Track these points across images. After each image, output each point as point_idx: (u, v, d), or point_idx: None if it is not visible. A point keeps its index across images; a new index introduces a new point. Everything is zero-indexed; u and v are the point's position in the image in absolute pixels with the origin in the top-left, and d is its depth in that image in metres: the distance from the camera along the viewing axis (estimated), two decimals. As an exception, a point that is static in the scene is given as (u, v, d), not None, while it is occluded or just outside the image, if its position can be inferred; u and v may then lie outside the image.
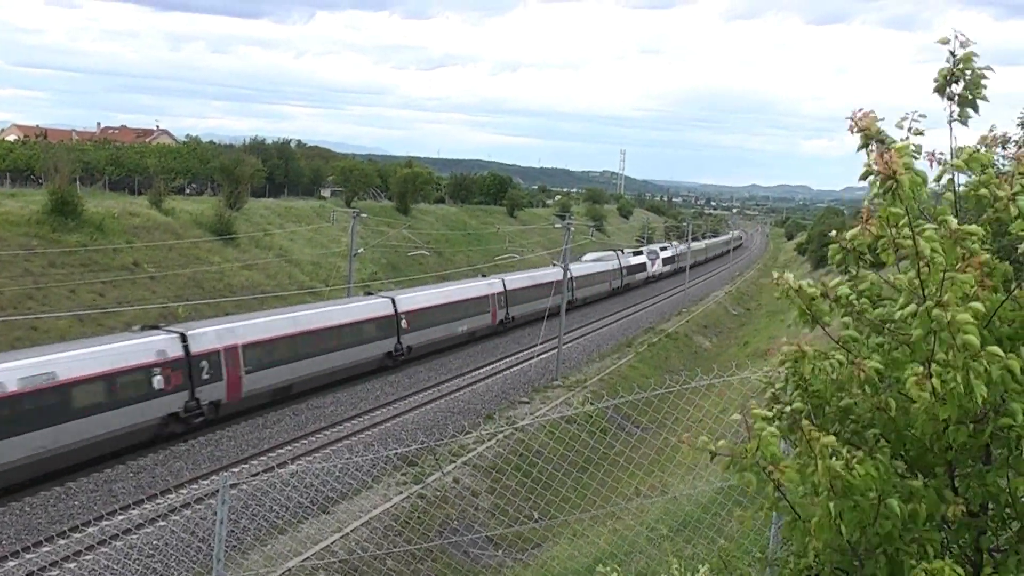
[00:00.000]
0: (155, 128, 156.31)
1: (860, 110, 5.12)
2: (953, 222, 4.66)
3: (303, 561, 26.16)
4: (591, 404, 41.18)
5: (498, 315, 66.01)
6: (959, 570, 4.60)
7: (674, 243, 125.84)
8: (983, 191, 4.98)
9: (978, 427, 4.79)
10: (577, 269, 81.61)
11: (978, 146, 5.20)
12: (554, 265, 69.81)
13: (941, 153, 5.08)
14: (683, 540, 16.10)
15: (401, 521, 29.96)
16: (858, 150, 5.09)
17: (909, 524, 4.83)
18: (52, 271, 51.35)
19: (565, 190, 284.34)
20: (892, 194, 4.71)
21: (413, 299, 55.33)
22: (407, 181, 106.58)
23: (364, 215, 68.80)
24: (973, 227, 4.60)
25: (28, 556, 25.50)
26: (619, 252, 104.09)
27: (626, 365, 59.68)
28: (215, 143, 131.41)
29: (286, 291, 62.82)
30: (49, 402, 31.23)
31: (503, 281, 67.82)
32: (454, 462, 36.09)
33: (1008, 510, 5.13)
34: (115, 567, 24.81)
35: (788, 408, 5.12)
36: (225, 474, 11.34)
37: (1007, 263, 4.99)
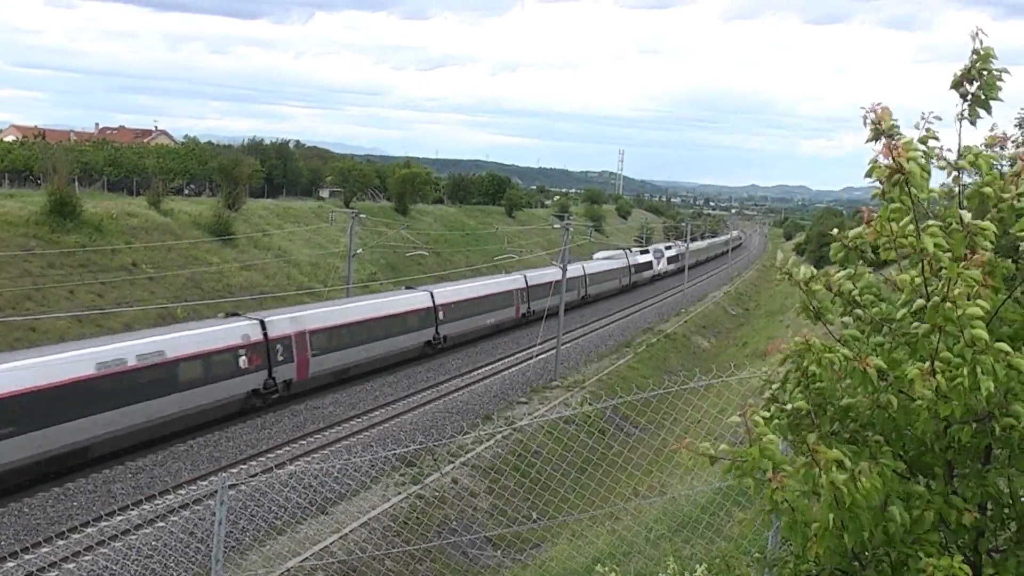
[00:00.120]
0: (153, 128, 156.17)
1: (879, 104, 5.10)
2: (967, 216, 4.66)
3: (302, 562, 26.15)
4: (590, 404, 41.24)
5: (520, 309, 70.15)
6: (966, 568, 4.60)
7: (678, 243, 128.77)
8: (987, 190, 4.99)
9: (980, 427, 4.78)
10: (590, 267, 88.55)
11: (983, 146, 5.21)
12: (553, 264, 70.17)
13: (949, 150, 5.09)
14: (681, 540, 16.10)
15: (400, 522, 29.96)
16: (867, 141, 5.08)
17: (911, 527, 4.83)
18: (51, 272, 51.33)
19: (564, 190, 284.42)
20: (898, 187, 4.72)
21: (448, 293, 60.17)
22: (406, 181, 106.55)
23: (363, 215, 68.74)
24: (986, 223, 4.59)
25: (27, 557, 25.50)
26: (627, 251, 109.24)
27: (625, 365, 59.69)
28: (213, 144, 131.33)
29: (285, 292, 62.79)
30: (159, 376, 35.68)
31: (525, 278, 71.75)
32: (453, 463, 36.09)
33: (1007, 511, 5.12)
34: (114, 568, 24.78)
35: (789, 406, 5.12)
36: (224, 475, 11.32)
37: (1009, 261, 4.98)
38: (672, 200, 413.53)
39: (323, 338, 45.92)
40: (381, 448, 34.78)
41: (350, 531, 29.07)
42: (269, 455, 36.79)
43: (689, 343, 75.60)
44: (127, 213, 63.97)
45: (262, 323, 41.99)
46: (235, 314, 43.80)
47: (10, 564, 25.10)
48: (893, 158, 4.70)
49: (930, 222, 4.73)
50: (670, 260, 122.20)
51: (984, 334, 4.42)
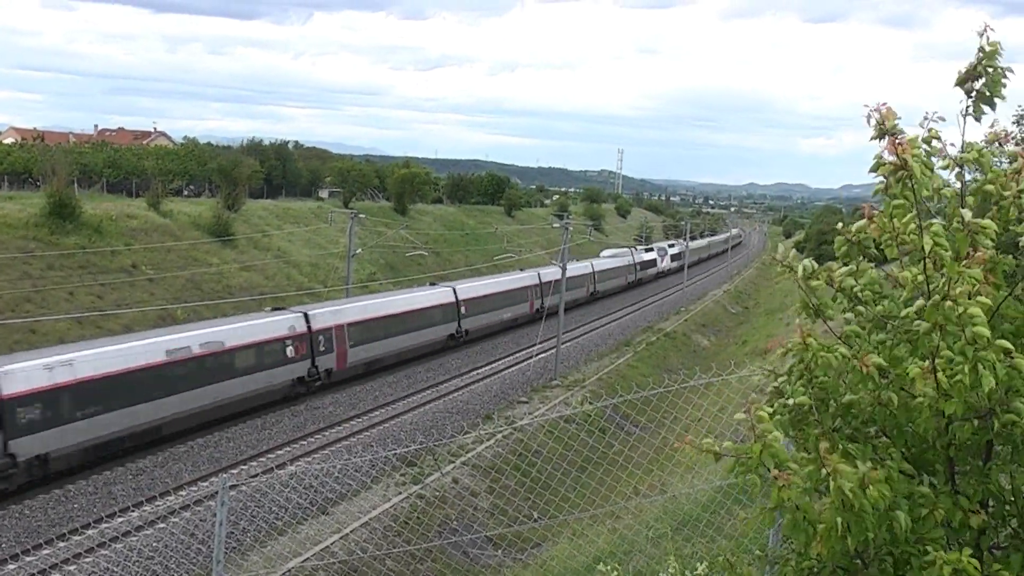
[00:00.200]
0: (152, 130, 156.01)
1: (883, 103, 5.12)
2: (968, 214, 4.66)
3: (303, 562, 26.15)
4: (590, 403, 41.22)
5: (535, 304, 72.58)
6: (975, 562, 4.61)
7: (680, 241, 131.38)
8: (989, 187, 4.99)
9: (981, 423, 4.79)
10: (599, 264, 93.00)
11: (985, 143, 5.22)
12: (554, 263, 70.56)
13: (952, 144, 5.10)
14: (682, 539, 16.10)
15: (400, 521, 29.96)
16: (871, 139, 5.09)
17: (916, 526, 4.83)
18: (50, 274, 51.33)
19: (563, 189, 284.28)
20: (901, 184, 4.72)
21: (470, 289, 63.22)
22: (405, 181, 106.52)
23: (362, 216, 68.71)
24: (986, 221, 4.59)
25: (28, 559, 25.51)
26: (633, 249, 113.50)
27: (625, 364, 59.68)
28: (213, 144, 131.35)
29: (285, 292, 62.80)
30: (218, 363, 39.22)
31: (538, 275, 74.47)
32: (453, 462, 36.09)
33: (1008, 507, 5.13)
34: (115, 569, 24.78)
35: (791, 402, 5.12)
36: (224, 476, 11.33)
37: (1010, 257, 4.99)
38: (671, 199, 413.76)
39: (359, 331, 49.24)
40: (381, 448, 34.79)
41: (351, 531, 29.07)
42: (269, 455, 36.81)
43: (689, 341, 75.59)
44: (126, 215, 63.95)
45: (306, 316, 45.59)
46: (280, 308, 47.64)
47: (11, 566, 25.10)
48: (897, 154, 4.71)
49: (932, 220, 4.74)
50: (673, 258, 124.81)
51: (986, 331, 4.42)
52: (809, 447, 5.07)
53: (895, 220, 4.92)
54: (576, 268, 79.17)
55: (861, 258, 5.40)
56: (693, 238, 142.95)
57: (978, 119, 5.15)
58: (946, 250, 4.63)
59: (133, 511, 28.61)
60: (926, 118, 5.06)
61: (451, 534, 29.61)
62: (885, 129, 5.04)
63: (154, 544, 26.97)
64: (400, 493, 32.63)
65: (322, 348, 46.17)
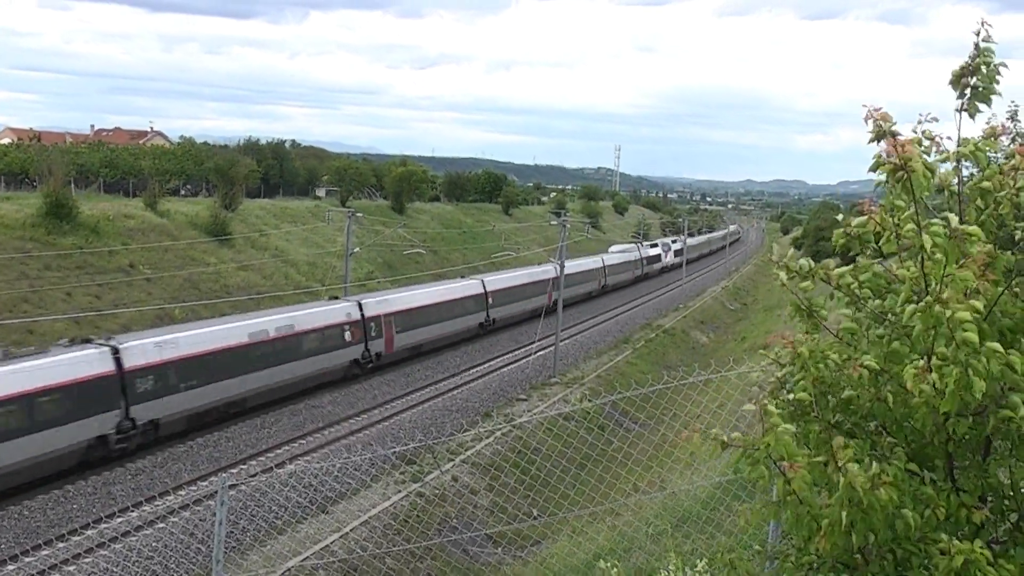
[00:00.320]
0: (149, 130, 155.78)
1: (878, 108, 5.14)
2: (954, 220, 4.65)
3: (302, 561, 26.16)
4: (589, 401, 41.22)
5: (552, 296, 72.87)
6: (987, 552, 4.61)
7: (682, 237, 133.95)
8: (986, 184, 5.00)
9: (978, 419, 4.80)
10: (608, 259, 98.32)
11: (982, 138, 5.23)
12: (551, 260, 71.00)
13: (949, 138, 5.11)
14: (682, 536, 16.13)
15: (400, 520, 29.97)
16: (869, 142, 5.11)
17: (920, 526, 4.84)
18: (48, 274, 51.31)
19: (560, 187, 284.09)
20: (901, 185, 4.73)
21: (496, 281, 68.06)
22: (402, 180, 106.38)
23: (359, 214, 68.69)
24: (973, 228, 4.59)
25: (27, 560, 25.51)
26: (639, 245, 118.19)
27: (623, 361, 59.73)
28: (209, 144, 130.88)
29: (282, 291, 62.79)
30: (290, 345, 44.07)
31: (553, 267, 73.55)
32: (452, 460, 36.11)
33: (1007, 502, 5.14)
34: (114, 570, 24.78)
35: (791, 396, 5.13)
36: (223, 475, 11.34)
37: (1008, 253, 4.99)
38: (669, 196, 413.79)
39: (404, 318, 53.92)
40: (381, 446, 34.81)
41: (351, 530, 29.08)
42: (269, 455, 36.82)
43: (688, 338, 75.61)
44: (123, 214, 63.89)
45: (360, 305, 50.44)
46: (335, 298, 53.13)
47: (10, 567, 25.10)
48: (898, 155, 4.71)
49: (932, 220, 4.74)
50: (676, 253, 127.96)
51: (974, 337, 4.43)
52: (810, 442, 5.08)
53: (894, 216, 4.93)
54: (588, 263, 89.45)
55: (862, 252, 5.41)
56: (691, 235, 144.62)
57: (973, 116, 5.16)
58: (943, 253, 4.63)
59: (132, 511, 28.60)
60: (920, 121, 5.09)
61: (451, 532, 29.61)
62: (883, 130, 5.06)
63: (153, 544, 26.98)
64: (400, 491, 32.64)
65: (373, 334, 50.85)
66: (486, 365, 55.84)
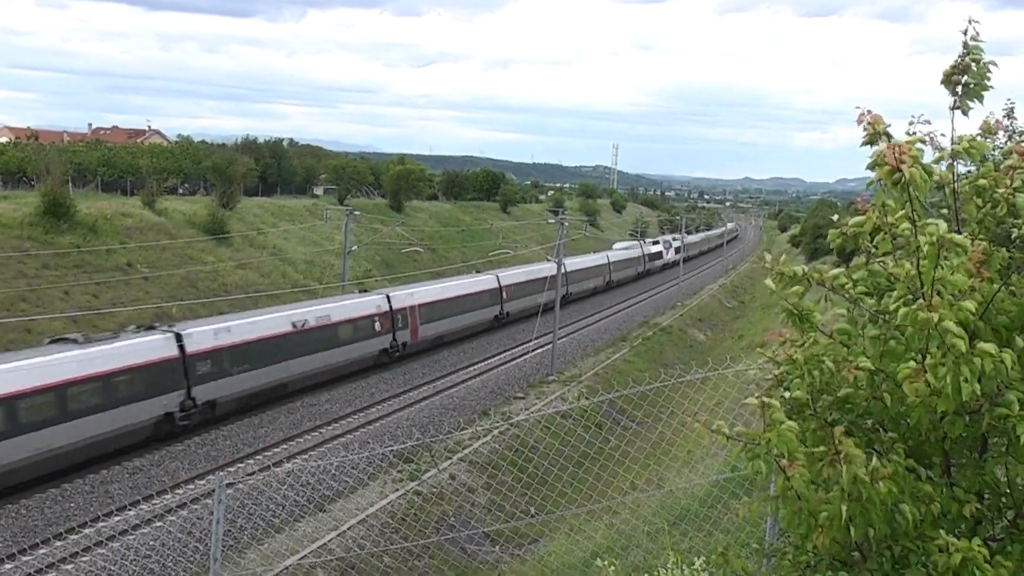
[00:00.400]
0: (147, 128, 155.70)
1: (868, 111, 5.16)
2: (943, 227, 4.65)
3: (300, 559, 26.16)
4: (586, 399, 41.20)
5: (561, 291, 74.94)
6: (984, 551, 4.62)
7: (683, 235, 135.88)
8: (982, 182, 5.01)
9: (974, 417, 4.80)
10: (613, 256, 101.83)
11: (978, 134, 5.24)
12: (548, 259, 71.34)
13: (942, 134, 5.13)
14: (680, 534, 16.12)
15: (398, 518, 29.97)
16: (862, 145, 5.13)
17: (917, 523, 4.85)
18: (45, 273, 51.25)
19: (558, 185, 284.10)
20: (899, 187, 4.74)
21: (509, 276, 70.37)
22: (400, 178, 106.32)
23: (357, 213, 68.76)
24: (960, 238, 4.59)
25: (25, 558, 25.49)
26: (642, 242, 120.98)
27: (621, 359, 59.76)
28: (207, 143, 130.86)
29: (280, 290, 62.81)
30: (328, 334, 47.31)
31: (564, 264, 75.73)
32: (450, 458, 36.11)
33: (1004, 499, 5.14)
34: (112, 568, 24.77)
35: (787, 395, 5.14)
36: (221, 474, 11.34)
37: (1004, 250, 5.00)
38: (666, 194, 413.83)
39: (427, 310, 56.93)
40: (378, 445, 34.78)
41: (348, 528, 29.08)
42: (266, 453, 36.81)
43: (685, 336, 75.64)
44: (121, 213, 63.80)
45: (388, 297, 53.53)
46: (365, 291, 56.95)
47: (8, 566, 25.08)
48: (896, 161, 4.72)
49: (929, 220, 4.75)
50: (677, 250, 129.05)
51: (962, 345, 4.44)
52: (807, 439, 5.08)
53: (889, 216, 4.95)
54: (594, 259, 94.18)
55: (858, 251, 5.43)
56: (688, 233, 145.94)
57: (966, 113, 5.18)
58: (931, 260, 4.63)
59: (130, 510, 28.58)
60: (912, 122, 5.11)
61: (448, 530, 29.61)
62: (877, 132, 5.08)
63: (151, 543, 26.96)
64: (397, 490, 32.64)
65: (400, 324, 53.99)
66: (483, 363, 55.84)
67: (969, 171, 5.26)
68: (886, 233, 4.95)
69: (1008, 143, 5.42)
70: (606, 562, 9.36)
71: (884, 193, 4.89)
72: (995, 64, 5.14)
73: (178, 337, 38.12)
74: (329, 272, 69.98)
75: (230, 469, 34.15)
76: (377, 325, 51.84)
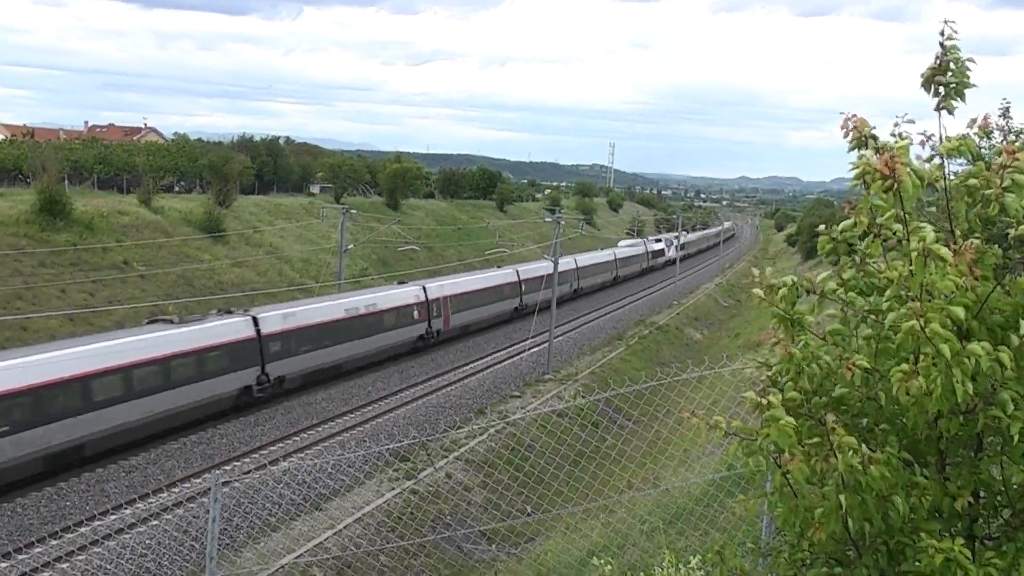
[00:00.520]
0: (143, 126, 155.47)
1: (852, 115, 5.19)
2: (931, 235, 4.66)
3: (296, 558, 26.15)
4: (583, 397, 41.26)
5: (573, 285, 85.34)
6: (966, 551, 4.63)
7: (684, 232, 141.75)
8: (973, 181, 5.00)
9: (969, 417, 4.81)
10: (619, 252, 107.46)
11: (968, 131, 5.25)
12: (547, 256, 71.91)
13: (932, 136, 5.14)
14: (676, 532, 16.14)
15: (394, 517, 29.97)
16: (849, 151, 5.15)
17: (911, 516, 4.86)
18: (42, 271, 51.22)
19: (555, 184, 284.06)
20: (894, 195, 4.74)
21: (527, 271, 73.54)
22: (396, 176, 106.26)
23: (354, 211, 68.82)
24: (944, 251, 4.60)
25: (20, 557, 25.51)
26: (645, 240, 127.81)
27: (617, 358, 59.79)
28: (203, 141, 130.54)
29: (276, 288, 62.83)
30: (375, 321, 51.83)
31: (575, 260, 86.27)
32: (446, 457, 36.11)
33: (999, 498, 5.14)
34: (108, 567, 24.77)
35: (780, 396, 5.14)
36: (217, 472, 11.35)
37: (996, 247, 5.00)
38: (663, 192, 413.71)
39: (458, 301, 61.69)
40: (374, 443, 34.82)
41: (344, 527, 29.07)
42: (262, 452, 36.79)
43: (681, 335, 75.69)
44: (117, 211, 63.79)
45: (424, 288, 57.92)
46: (403, 282, 60.17)
47: (3, 564, 25.09)
48: (887, 170, 4.73)
49: (920, 224, 4.75)
50: (677, 248, 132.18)
51: (948, 351, 4.45)
52: (803, 436, 5.09)
53: (879, 218, 4.96)
54: (602, 256, 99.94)
55: (848, 254, 5.43)
56: (687, 231, 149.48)
57: (951, 113, 5.20)
58: (919, 269, 4.63)
59: (126, 508, 28.53)
60: (897, 123, 5.13)
61: (444, 529, 29.61)
62: (864, 136, 5.09)
63: (147, 541, 26.95)
64: (393, 488, 32.64)
65: (435, 313, 58.49)
66: (480, 362, 55.86)
67: (962, 167, 5.27)
68: (876, 236, 4.96)
69: (1004, 142, 5.42)
70: (602, 561, 9.35)
71: (872, 195, 4.90)
72: (973, 61, 5.17)
73: (255, 320, 42.78)
74: (325, 270, 69.99)
75: (226, 467, 34.14)
76: (416, 313, 56.40)
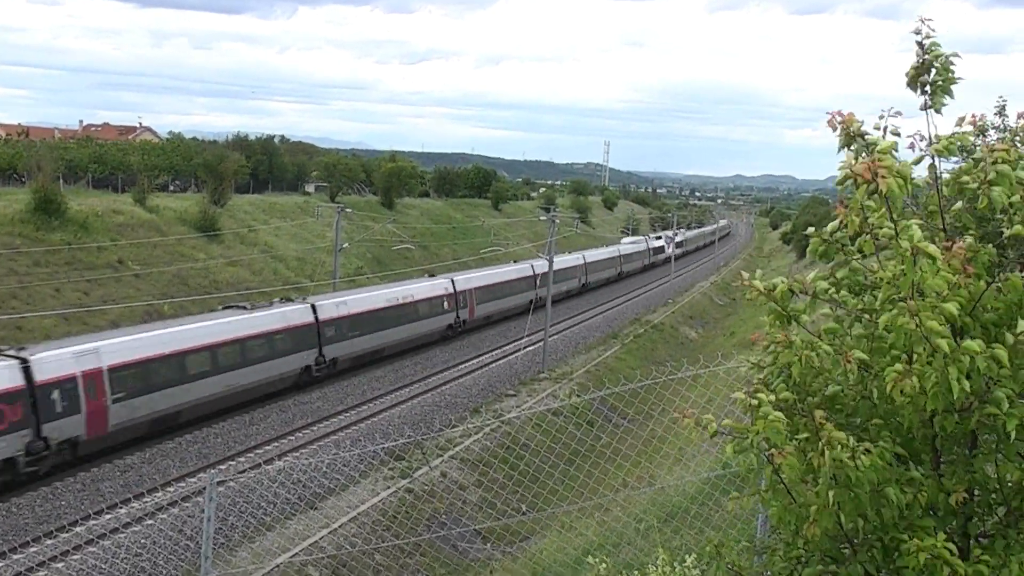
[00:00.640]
0: (138, 125, 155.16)
1: (840, 112, 5.17)
2: (917, 234, 4.64)
3: (291, 557, 26.14)
4: (578, 396, 41.27)
5: (581, 280, 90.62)
6: (951, 547, 4.63)
7: (682, 230, 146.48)
8: (964, 178, 5.00)
9: (963, 415, 4.81)
10: (623, 249, 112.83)
11: (957, 129, 5.23)
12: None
13: (922, 137, 5.12)
14: (671, 531, 16.14)
15: (389, 516, 29.95)
16: (839, 149, 5.13)
17: (905, 512, 4.86)
18: (36, 270, 51.12)
19: (549, 182, 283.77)
20: (879, 197, 4.73)
21: (540, 266, 74.73)
22: (391, 175, 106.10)
23: (349, 210, 68.84)
24: (932, 248, 4.58)
25: (15, 557, 25.44)
26: (646, 238, 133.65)
27: (612, 357, 59.81)
28: (198, 140, 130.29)
29: (271, 287, 62.77)
30: (410, 310, 56.36)
31: (583, 256, 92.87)
32: (441, 456, 36.11)
33: (994, 495, 5.15)
34: (103, 566, 24.76)
35: (773, 397, 5.13)
36: (212, 471, 11.34)
37: (990, 247, 4.99)
38: (658, 191, 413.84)
39: (481, 293, 66.42)
40: (369, 442, 34.79)
41: (339, 526, 29.06)
42: (257, 451, 36.78)
43: (677, 333, 75.72)
44: (112, 210, 63.67)
45: (452, 281, 63.14)
46: (433, 275, 65.16)
47: (-1, 564, 25.03)
48: (870, 175, 4.71)
49: (910, 222, 4.74)
50: (678, 245, 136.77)
51: (946, 347, 4.44)
52: (795, 432, 5.08)
53: (870, 218, 4.95)
54: (606, 252, 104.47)
55: (841, 254, 5.42)
56: (683, 229, 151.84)
57: (939, 111, 5.18)
58: (910, 268, 4.62)
59: (121, 508, 28.51)
60: (882, 116, 5.11)
61: (440, 528, 29.61)
62: (852, 133, 5.08)
63: (142, 541, 26.93)
64: (388, 487, 32.63)
65: (462, 304, 63.14)
66: (476, 360, 55.89)
67: (957, 164, 5.26)
68: (868, 235, 4.95)
69: (999, 140, 5.38)
70: (597, 559, 9.36)
71: (865, 201, 4.89)
72: (958, 55, 5.15)
73: (313, 308, 47.47)
74: (320, 269, 69.96)
75: (221, 467, 34.13)
76: (445, 304, 61.08)
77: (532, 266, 76.08)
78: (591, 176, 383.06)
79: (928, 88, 5.16)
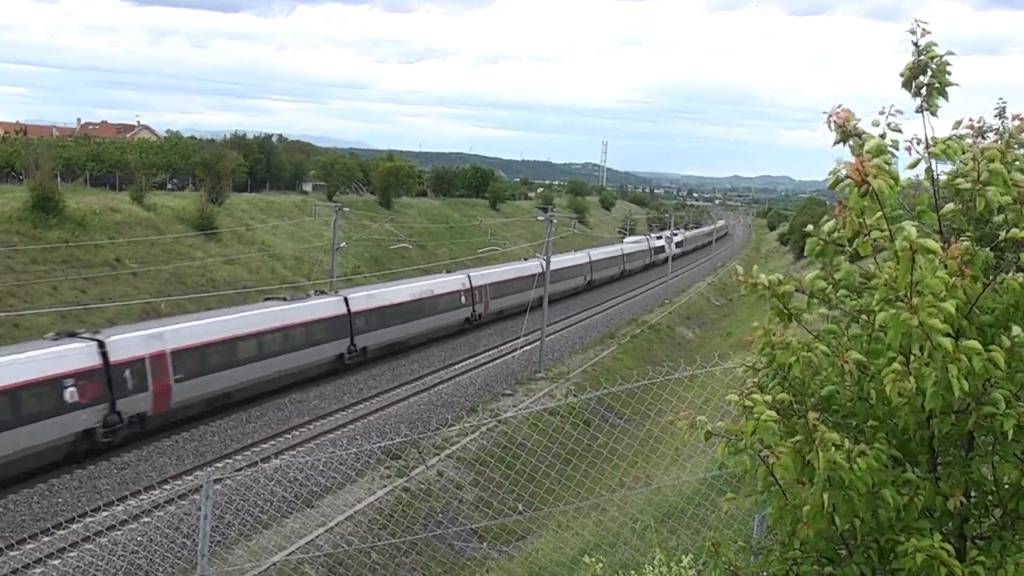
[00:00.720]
0: (136, 123, 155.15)
1: (839, 106, 5.17)
2: (913, 233, 4.64)
3: (288, 555, 26.15)
4: (574, 396, 41.29)
5: (587, 278, 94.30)
6: (948, 547, 4.64)
7: (683, 230, 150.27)
8: (960, 180, 5.00)
9: (960, 416, 4.82)
10: (626, 248, 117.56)
11: (953, 132, 5.22)
12: (545, 253, 73.16)
13: (919, 141, 5.10)
14: (667, 531, 16.15)
15: (385, 514, 29.98)
16: (834, 144, 5.13)
17: (901, 514, 4.87)
18: (34, 268, 51.11)
19: (547, 182, 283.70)
20: (869, 197, 4.73)
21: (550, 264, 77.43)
22: (389, 175, 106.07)
23: (346, 209, 68.82)
24: (931, 243, 4.58)
25: (12, 554, 25.41)
26: (648, 237, 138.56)
27: (609, 357, 59.86)
28: (196, 138, 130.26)
29: (268, 285, 62.76)
30: (430, 304, 59.56)
31: (589, 254, 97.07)
32: (438, 455, 36.12)
33: (990, 497, 5.16)
34: (100, 564, 24.74)
35: (769, 399, 5.14)
36: (209, 469, 11.35)
37: (987, 250, 5.00)
38: (655, 191, 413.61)
39: (494, 289, 69.64)
40: (366, 441, 34.72)
41: (336, 524, 29.09)
42: (254, 449, 36.80)
43: (673, 334, 75.76)
44: (110, 208, 63.65)
45: (468, 277, 66.35)
46: (450, 271, 68.72)
47: (-5, 561, 25.02)
48: (860, 177, 4.72)
49: (905, 223, 4.74)
50: (678, 244, 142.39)
51: (947, 344, 4.45)
52: (790, 432, 5.09)
53: (867, 219, 4.94)
54: (609, 251, 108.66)
55: (838, 254, 5.42)
56: (682, 229, 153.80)
57: (935, 113, 5.16)
58: (906, 267, 4.63)
59: (117, 505, 28.54)
60: (882, 112, 5.09)
61: (436, 527, 29.63)
62: (848, 131, 5.08)
63: (139, 538, 26.94)
64: (385, 486, 32.66)
65: (477, 299, 66.66)
66: (472, 360, 55.91)
67: (950, 169, 5.26)
68: (865, 236, 4.95)
69: (998, 142, 5.37)
70: (594, 559, 9.37)
71: (860, 202, 4.89)
72: (952, 53, 5.10)
73: (346, 300, 51.00)
74: (317, 268, 69.95)
75: (218, 465, 34.13)
76: (463, 299, 64.63)
77: (541, 264, 75.72)
78: (589, 176, 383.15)
79: (923, 90, 5.14)
